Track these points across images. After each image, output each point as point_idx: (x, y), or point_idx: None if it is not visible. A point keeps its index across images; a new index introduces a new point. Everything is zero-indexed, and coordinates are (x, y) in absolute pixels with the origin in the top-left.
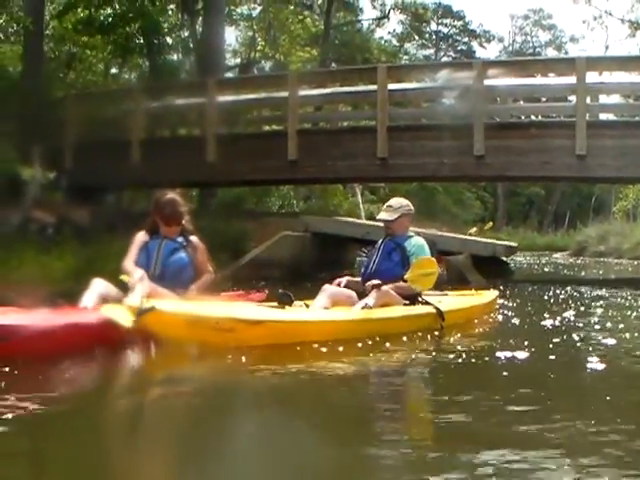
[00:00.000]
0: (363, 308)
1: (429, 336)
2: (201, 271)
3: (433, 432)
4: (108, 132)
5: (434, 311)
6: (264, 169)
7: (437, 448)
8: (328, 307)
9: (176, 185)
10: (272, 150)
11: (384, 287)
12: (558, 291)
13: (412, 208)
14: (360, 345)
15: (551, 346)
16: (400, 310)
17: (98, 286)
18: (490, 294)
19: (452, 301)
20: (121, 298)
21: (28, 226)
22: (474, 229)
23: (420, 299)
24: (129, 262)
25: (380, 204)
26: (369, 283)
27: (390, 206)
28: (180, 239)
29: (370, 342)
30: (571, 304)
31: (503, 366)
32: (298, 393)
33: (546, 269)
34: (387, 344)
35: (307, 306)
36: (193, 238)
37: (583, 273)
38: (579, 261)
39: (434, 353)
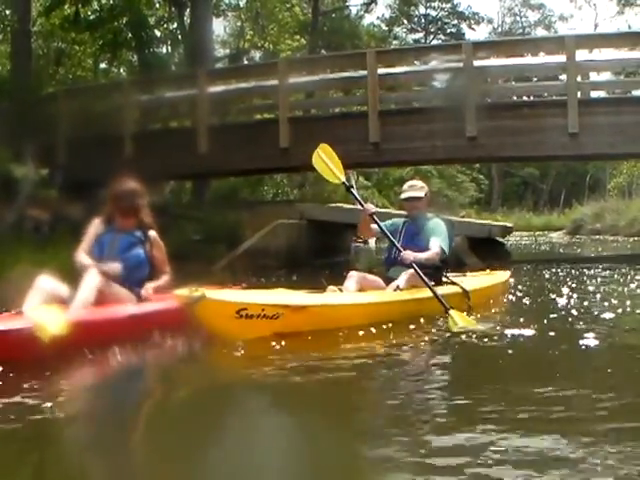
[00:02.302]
0: (395, 290)
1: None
2: (159, 270)
3: (455, 417)
4: (100, 127)
5: (459, 290)
6: (257, 158)
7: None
8: (355, 292)
9: (170, 177)
10: (264, 139)
11: (417, 255)
12: (557, 270)
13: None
14: (392, 327)
15: (576, 326)
16: (430, 291)
17: (44, 285)
18: (504, 274)
19: (473, 281)
20: (72, 297)
21: (23, 224)
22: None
23: (445, 279)
24: (82, 254)
25: (374, 189)
26: (404, 254)
27: (413, 185)
28: (138, 233)
29: (403, 324)
30: (574, 282)
31: (525, 347)
32: (331, 382)
33: (543, 249)
34: (413, 326)
35: (341, 291)
36: (152, 233)
37: (579, 251)
38: (575, 240)
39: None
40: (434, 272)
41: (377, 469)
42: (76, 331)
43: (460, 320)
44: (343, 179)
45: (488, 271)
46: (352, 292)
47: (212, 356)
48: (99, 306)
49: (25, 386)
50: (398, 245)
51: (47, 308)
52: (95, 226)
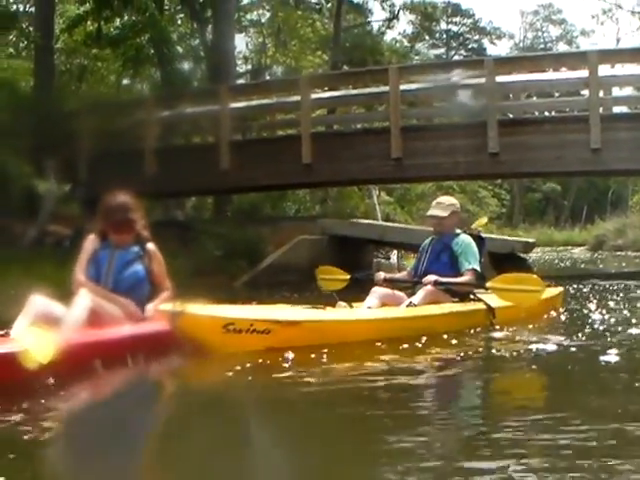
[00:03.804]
0: (408, 306)
1: (476, 333)
2: (159, 285)
3: (461, 443)
4: (122, 142)
5: (484, 307)
6: (279, 174)
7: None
8: (377, 307)
9: (191, 193)
10: (286, 154)
11: (438, 278)
12: (580, 286)
13: (459, 207)
14: (403, 345)
15: (602, 342)
16: (447, 307)
17: (37, 305)
18: (554, 290)
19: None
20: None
21: (44, 240)
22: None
23: (472, 296)
24: (80, 274)
25: (396, 205)
26: (426, 278)
27: (440, 203)
28: (135, 248)
29: (414, 341)
30: (598, 298)
31: (540, 362)
32: (326, 395)
33: (565, 264)
34: (421, 343)
35: (351, 307)
36: (150, 246)
37: (602, 267)
38: (598, 256)
39: (471, 352)
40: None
41: None
42: (64, 355)
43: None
44: (347, 277)
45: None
46: (373, 308)
47: (209, 373)
48: (92, 327)
49: (10, 412)
50: (412, 279)
51: (35, 331)
52: (91, 242)
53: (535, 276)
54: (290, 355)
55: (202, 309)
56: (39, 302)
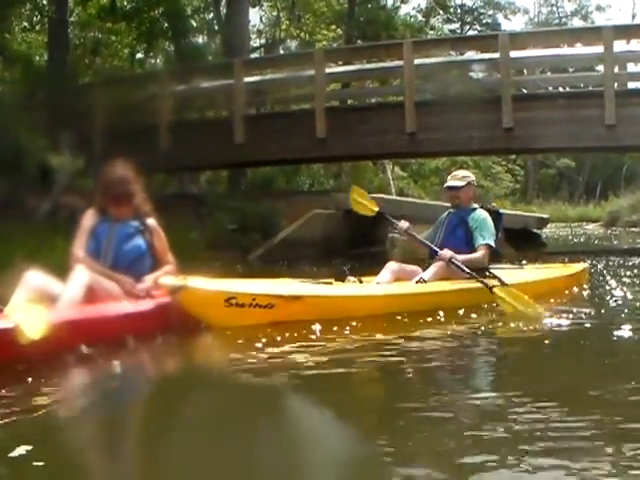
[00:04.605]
0: (418, 282)
1: (489, 309)
2: (161, 260)
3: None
4: (136, 117)
5: (497, 284)
6: (293, 148)
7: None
8: (389, 283)
9: (206, 167)
10: (301, 129)
11: (457, 256)
12: (594, 261)
13: (475, 180)
14: (407, 320)
15: (618, 318)
16: (456, 284)
17: (33, 281)
18: (577, 266)
19: (525, 274)
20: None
21: (58, 213)
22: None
23: (487, 273)
24: (77, 249)
25: (410, 180)
26: (442, 253)
27: (455, 175)
28: (135, 223)
29: (424, 317)
30: (612, 274)
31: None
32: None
33: (579, 240)
34: (431, 319)
35: (361, 282)
36: (150, 221)
37: (616, 243)
38: (612, 232)
39: (477, 329)
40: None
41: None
42: (59, 332)
43: (509, 297)
44: (376, 209)
45: (559, 264)
46: (384, 283)
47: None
48: (89, 304)
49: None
50: (434, 247)
51: (29, 308)
52: (90, 217)
53: (537, 306)
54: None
55: (204, 283)
56: (34, 278)
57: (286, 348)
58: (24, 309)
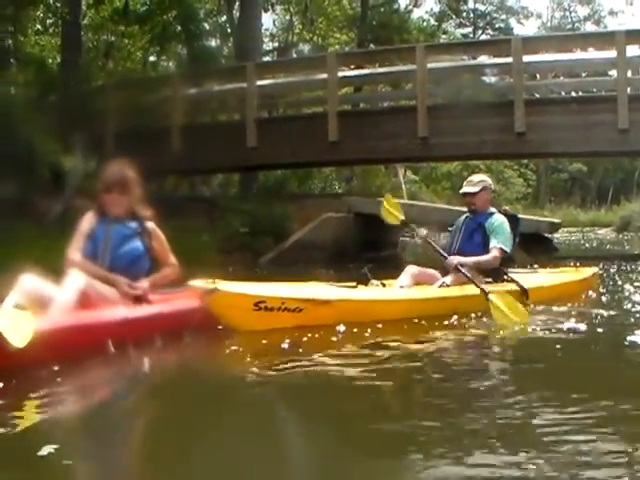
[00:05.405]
0: (440, 287)
1: None
2: (162, 262)
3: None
4: (148, 119)
5: (516, 288)
6: (305, 151)
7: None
8: (409, 286)
9: (217, 170)
10: (313, 132)
11: (466, 259)
12: (606, 266)
13: (492, 184)
14: (435, 323)
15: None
16: (474, 286)
17: (26, 285)
18: (588, 271)
19: (540, 278)
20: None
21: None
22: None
23: (506, 277)
24: (73, 252)
25: (422, 184)
26: (449, 260)
27: (471, 181)
28: (133, 224)
29: (445, 321)
30: (624, 279)
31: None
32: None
33: (591, 245)
34: (451, 322)
35: (384, 285)
36: (149, 224)
37: (628, 248)
38: (624, 237)
39: (496, 332)
40: (491, 270)
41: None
42: (47, 339)
43: (505, 308)
44: (402, 217)
45: (571, 268)
46: (405, 287)
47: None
48: (83, 309)
49: None
50: (444, 253)
51: (13, 313)
52: (88, 219)
53: (525, 312)
54: (342, 328)
55: (233, 287)
56: (29, 282)
57: (309, 350)
58: (9, 315)
